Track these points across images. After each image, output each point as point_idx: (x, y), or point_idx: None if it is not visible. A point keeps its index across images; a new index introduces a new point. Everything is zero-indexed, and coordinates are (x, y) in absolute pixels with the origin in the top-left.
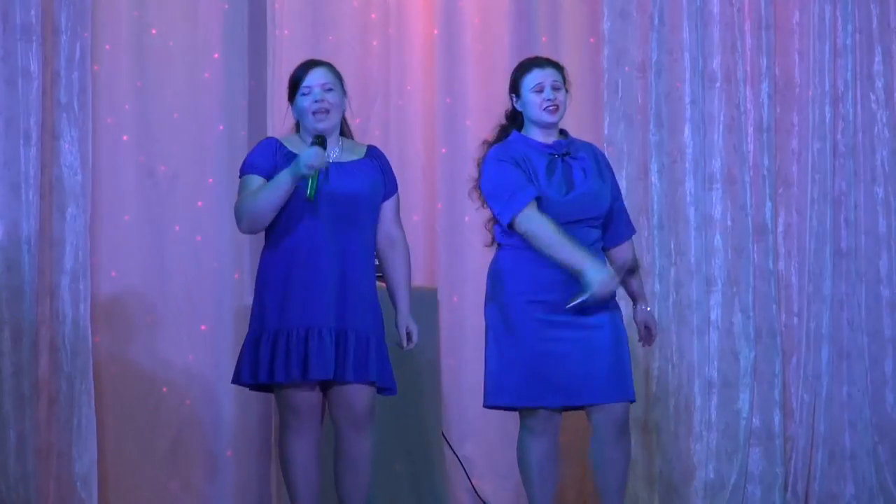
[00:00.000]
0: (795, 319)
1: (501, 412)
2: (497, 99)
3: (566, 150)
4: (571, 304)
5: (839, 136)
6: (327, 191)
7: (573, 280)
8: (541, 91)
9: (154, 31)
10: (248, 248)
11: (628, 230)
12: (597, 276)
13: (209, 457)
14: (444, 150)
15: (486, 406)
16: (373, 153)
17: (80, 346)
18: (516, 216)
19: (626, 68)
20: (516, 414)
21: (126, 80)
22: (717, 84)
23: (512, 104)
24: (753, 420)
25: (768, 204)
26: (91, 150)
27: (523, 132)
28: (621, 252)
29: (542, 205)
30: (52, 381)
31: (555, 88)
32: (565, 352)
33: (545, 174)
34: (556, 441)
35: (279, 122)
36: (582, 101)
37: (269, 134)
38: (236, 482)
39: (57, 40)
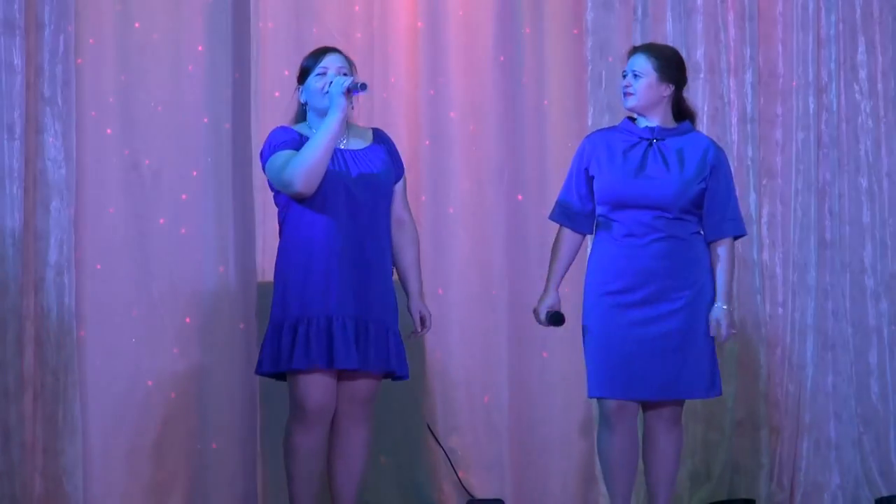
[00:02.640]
0: (780, 310)
1: (490, 403)
2: (481, 91)
3: (661, 137)
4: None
5: (823, 127)
6: (344, 179)
7: (645, 272)
8: (624, 77)
9: (137, 25)
10: (233, 242)
11: (722, 230)
12: (538, 303)
13: (195, 450)
14: (427, 143)
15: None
16: (380, 137)
17: (65, 339)
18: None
19: (610, 59)
20: (501, 406)
21: (110, 74)
22: (701, 75)
23: None
24: (738, 411)
25: (752, 195)
26: (75, 143)
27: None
28: (712, 251)
29: (607, 184)
30: (38, 375)
31: (634, 76)
32: (632, 346)
33: (621, 155)
34: (632, 433)
35: (263, 114)
36: (566, 93)
37: (253, 126)
38: (222, 475)
39: (40, 34)
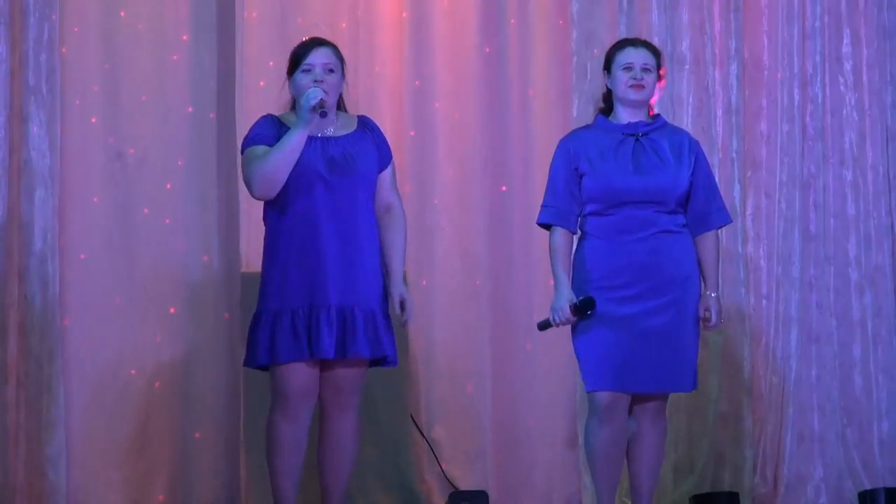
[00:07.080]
0: (764, 302)
1: (473, 394)
2: (466, 81)
3: (644, 132)
4: (540, 324)
5: (808, 119)
6: (322, 168)
7: (639, 267)
8: (630, 70)
9: (122, 14)
10: (217, 231)
11: (709, 222)
12: (555, 303)
13: (178, 439)
14: (413, 133)
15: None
16: (365, 123)
17: (48, 328)
18: (544, 224)
19: (595, 51)
20: (484, 397)
21: (94, 63)
22: (686, 66)
23: (605, 82)
24: (722, 403)
25: (737, 187)
26: (59, 132)
27: (613, 113)
28: (700, 243)
29: (605, 182)
30: (21, 364)
31: (644, 69)
32: (627, 340)
33: (611, 153)
34: (622, 427)
35: (248, 104)
36: (550, 84)
37: (238, 116)
38: (205, 464)
39: (25, 23)
